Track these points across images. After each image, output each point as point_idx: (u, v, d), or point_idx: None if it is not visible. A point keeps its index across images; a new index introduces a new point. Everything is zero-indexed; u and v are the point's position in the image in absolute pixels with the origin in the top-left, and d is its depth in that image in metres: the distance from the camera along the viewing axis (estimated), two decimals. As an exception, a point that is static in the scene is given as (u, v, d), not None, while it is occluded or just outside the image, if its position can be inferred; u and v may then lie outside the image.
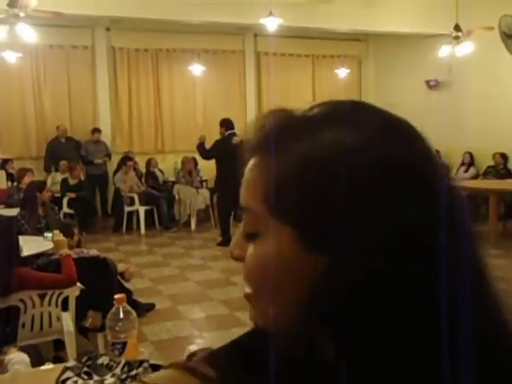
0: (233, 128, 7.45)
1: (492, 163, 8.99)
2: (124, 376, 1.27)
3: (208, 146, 7.68)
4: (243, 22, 8.76)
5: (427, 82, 10.41)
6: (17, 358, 1.80)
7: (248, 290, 0.54)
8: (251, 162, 0.53)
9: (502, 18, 8.34)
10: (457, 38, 7.82)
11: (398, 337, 0.48)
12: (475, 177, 9.24)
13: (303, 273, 0.49)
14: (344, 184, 0.47)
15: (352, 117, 0.52)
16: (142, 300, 4.77)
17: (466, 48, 7.98)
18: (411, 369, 0.48)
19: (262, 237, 0.51)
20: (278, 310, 0.52)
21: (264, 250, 0.50)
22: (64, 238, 3.44)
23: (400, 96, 11.29)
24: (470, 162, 9.41)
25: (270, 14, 7.43)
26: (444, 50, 8.26)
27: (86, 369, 1.31)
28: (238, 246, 0.54)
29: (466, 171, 9.39)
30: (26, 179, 6.93)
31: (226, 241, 7.30)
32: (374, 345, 0.48)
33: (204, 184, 9.64)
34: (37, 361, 2.01)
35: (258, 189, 0.51)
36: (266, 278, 0.50)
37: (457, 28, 7.74)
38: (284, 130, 0.52)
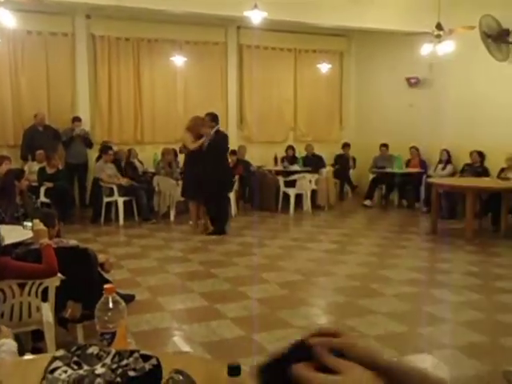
0: (218, 122, 7.68)
1: (469, 161, 9.12)
2: (115, 366, 1.25)
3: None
4: (227, 13, 8.71)
5: (408, 80, 10.50)
6: (6, 345, 1.77)
7: None
8: None
9: (483, 18, 8.44)
10: (438, 36, 7.89)
11: None
12: (452, 174, 9.37)
13: None
14: None
15: None
16: (122, 291, 4.73)
17: (447, 47, 8.06)
18: None
19: None
20: None
21: None
22: (44, 228, 3.39)
23: (381, 92, 11.40)
24: (447, 159, 9.53)
25: (255, 6, 7.41)
26: (425, 48, 8.33)
27: (75, 358, 1.29)
28: None
29: (444, 169, 9.52)
30: (4, 167, 6.81)
31: (218, 231, 7.54)
32: None
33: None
34: (19, 350, 1.98)
35: None
36: None
37: (438, 27, 7.81)
38: None
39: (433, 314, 4.57)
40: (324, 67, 11.52)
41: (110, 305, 1.46)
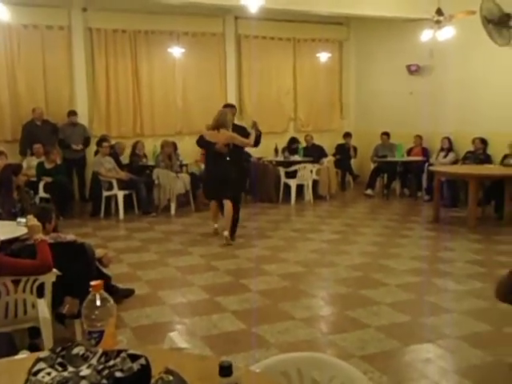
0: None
1: (471, 148, 9.03)
2: (101, 367, 1.19)
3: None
4: (224, 3, 8.60)
5: (408, 67, 10.39)
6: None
7: None
8: None
9: (484, 3, 8.31)
10: (438, 22, 7.78)
11: None
12: (455, 162, 9.28)
13: None
14: None
15: None
16: (121, 285, 4.68)
17: (447, 32, 7.95)
18: None
19: None
20: None
21: None
22: (38, 223, 3.32)
23: (381, 81, 11.29)
24: (448, 147, 9.43)
25: (252, -5, 7.30)
26: (426, 35, 8.22)
27: (59, 360, 1.24)
28: None
29: (446, 156, 9.43)
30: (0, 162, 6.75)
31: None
32: None
33: (184, 168, 9.53)
34: (8, 350, 1.92)
35: None
36: None
37: (439, 12, 7.70)
38: None
39: (436, 303, 4.51)
40: (323, 56, 11.40)
41: (98, 302, 1.40)
